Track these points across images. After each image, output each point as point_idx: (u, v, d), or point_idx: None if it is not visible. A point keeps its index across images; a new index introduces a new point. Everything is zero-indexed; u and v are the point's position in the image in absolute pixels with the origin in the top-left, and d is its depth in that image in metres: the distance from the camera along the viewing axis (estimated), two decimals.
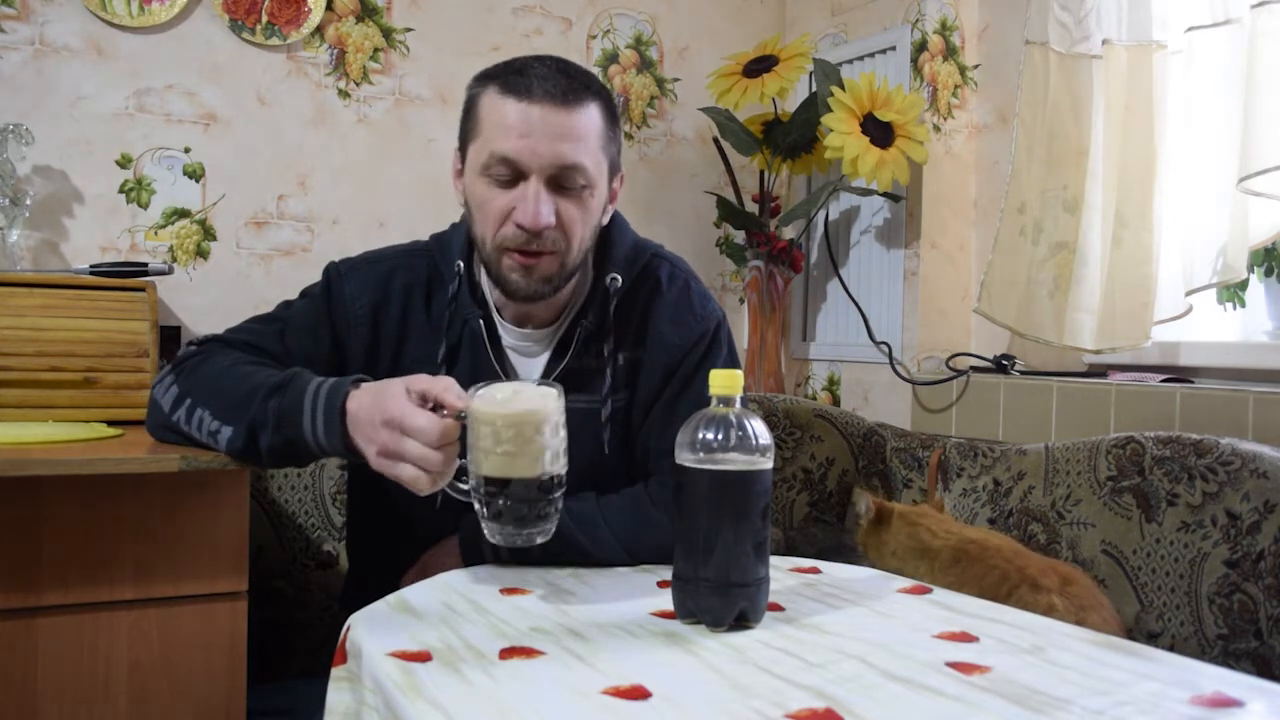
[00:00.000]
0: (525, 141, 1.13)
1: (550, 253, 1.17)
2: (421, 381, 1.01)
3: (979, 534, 1.49)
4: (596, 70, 2.33)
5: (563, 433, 0.97)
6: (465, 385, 0.98)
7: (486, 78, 1.18)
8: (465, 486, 0.99)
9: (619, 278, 1.25)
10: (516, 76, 1.15)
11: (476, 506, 0.97)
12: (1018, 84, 1.87)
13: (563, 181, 1.15)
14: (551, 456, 0.95)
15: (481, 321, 1.24)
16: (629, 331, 1.27)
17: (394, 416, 0.99)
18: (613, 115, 1.20)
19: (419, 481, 0.99)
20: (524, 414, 0.94)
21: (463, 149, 1.22)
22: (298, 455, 1.12)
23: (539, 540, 0.97)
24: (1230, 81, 1.60)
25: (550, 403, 0.96)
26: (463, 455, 0.99)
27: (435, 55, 2.19)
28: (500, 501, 0.94)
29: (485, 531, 0.97)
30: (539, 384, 0.99)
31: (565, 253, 1.18)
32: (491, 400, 0.95)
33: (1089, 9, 1.78)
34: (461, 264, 1.25)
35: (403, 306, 1.27)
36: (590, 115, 1.16)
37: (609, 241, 1.28)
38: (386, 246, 1.35)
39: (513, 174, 1.14)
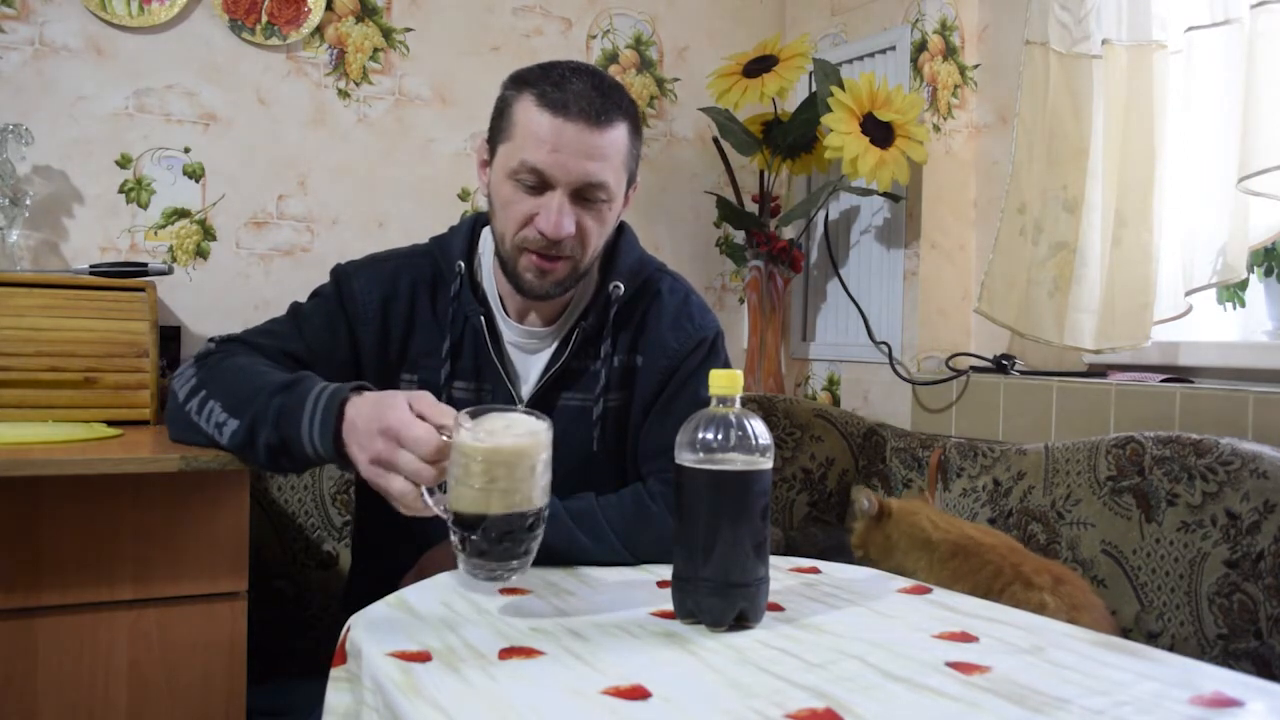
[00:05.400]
0: (556, 156, 1.16)
1: (566, 258, 1.22)
2: (424, 401, 1.01)
3: (977, 531, 1.50)
4: None
5: (543, 468, 0.92)
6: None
7: (524, 83, 1.20)
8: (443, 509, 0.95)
9: (622, 286, 1.30)
10: (554, 90, 1.17)
11: (453, 540, 0.94)
12: (1018, 84, 1.87)
13: (585, 195, 1.20)
14: (525, 495, 0.91)
15: (483, 319, 1.28)
16: (627, 336, 1.31)
17: (392, 426, 0.99)
18: (637, 131, 1.25)
19: (406, 497, 0.98)
20: (505, 450, 0.90)
21: (492, 145, 1.25)
22: (292, 456, 1.12)
23: (509, 578, 0.94)
24: (1230, 81, 1.60)
25: (537, 438, 0.92)
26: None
27: (435, 55, 2.19)
28: (472, 535, 0.91)
29: (461, 566, 0.94)
30: (529, 413, 0.94)
31: (580, 259, 1.23)
32: (475, 434, 0.91)
33: (1089, 9, 1.78)
34: (462, 264, 1.30)
35: (409, 302, 1.31)
36: (619, 134, 1.20)
37: (616, 252, 1.32)
38: (388, 249, 1.38)
39: (539, 183, 1.18)
